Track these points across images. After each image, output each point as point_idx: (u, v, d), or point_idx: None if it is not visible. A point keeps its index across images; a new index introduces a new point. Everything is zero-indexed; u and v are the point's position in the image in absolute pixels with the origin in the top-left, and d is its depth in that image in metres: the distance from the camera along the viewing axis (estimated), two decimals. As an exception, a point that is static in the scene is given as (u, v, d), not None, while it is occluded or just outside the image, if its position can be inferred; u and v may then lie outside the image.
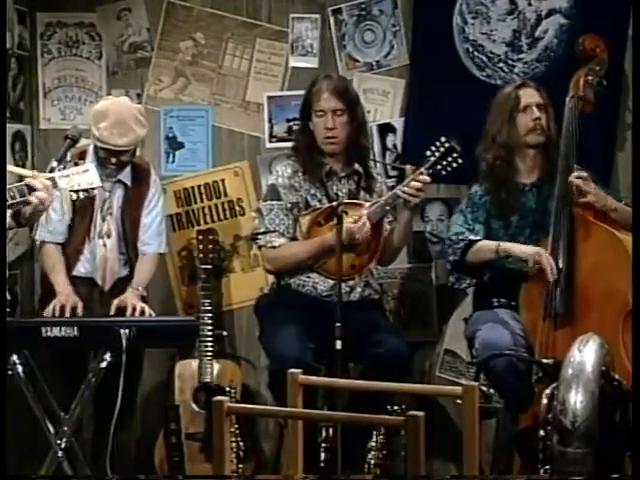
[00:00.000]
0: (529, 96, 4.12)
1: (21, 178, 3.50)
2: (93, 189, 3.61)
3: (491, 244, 4.08)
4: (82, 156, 4.25)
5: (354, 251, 4.14)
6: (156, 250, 4.42)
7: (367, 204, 4.17)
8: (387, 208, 4.16)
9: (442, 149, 4.12)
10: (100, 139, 4.15)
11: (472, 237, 4.11)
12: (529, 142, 4.14)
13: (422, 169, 4.11)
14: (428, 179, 4.10)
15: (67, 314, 4.13)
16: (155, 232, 4.40)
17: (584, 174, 3.98)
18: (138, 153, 4.38)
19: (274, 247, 4.19)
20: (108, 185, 4.29)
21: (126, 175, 4.31)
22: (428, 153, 4.13)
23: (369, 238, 4.14)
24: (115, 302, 4.21)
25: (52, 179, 3.49)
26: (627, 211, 4.01)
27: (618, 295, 3.81)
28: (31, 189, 3.40)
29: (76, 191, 3.54)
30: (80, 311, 4.17)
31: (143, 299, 4.28)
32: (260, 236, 4.23)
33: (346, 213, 3.95)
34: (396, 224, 4.25)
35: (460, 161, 4.12)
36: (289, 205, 4.20)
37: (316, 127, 4.18)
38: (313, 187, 4.23)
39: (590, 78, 4.13)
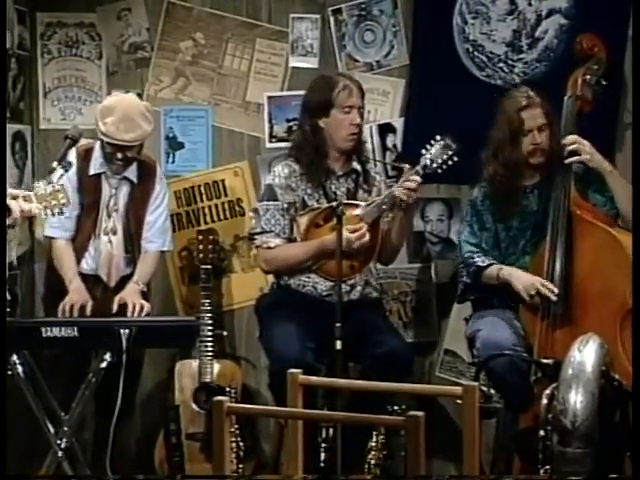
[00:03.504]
0: (532, 119, 4.07)
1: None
2: (62, 211, 3.73)
3: (494, 272, 4.07)
4: (88, 153, 4.28)
5: (352, 256, 4.13)
6: (160, 247, 4.42)
7: (363, 204, 4.17)
8: (384, 207, 4.16)
9: (437, 147, 4.13)
10: (106, 134, 4.16)
11: (480, 263, 4.11)
12: (530, 162, 4.13)
13: (417, 168, 4.12)
14: (419, 179, 4.10)
15: (75, 313, 4.14)
16: (159, 230, 4.40)
17: (576, 138, 4.00)
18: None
19: (270, 248, 4.19)
20: (114, 182, 4.31)
21: (132, 172, 4.32)
22: (423, 151, 4.14)
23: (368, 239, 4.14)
24: (116, 299, 4.23)
25: (29, 197, 3.60)
26: (623, 181, 4.00)
27: (616, 295, 3.81)
28: (8, 209, 3.53)
29: (51, 210, 3.68)
30: (89, 309, 4.18)
31: (143, 294, 4.29)
32: (256, 236, 4.23)
33: (343, 213, 3.95)
34: (393, 223, 4.25)
35: (456, 159, 4.12)
36: (285, 206, 4.20)
37: (340, 124, 4.15)
38: (310, 187, 4.23)
39: (588, 77, 4.12)
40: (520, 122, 4.08)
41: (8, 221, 3.57)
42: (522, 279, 3.99)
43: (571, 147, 3.99)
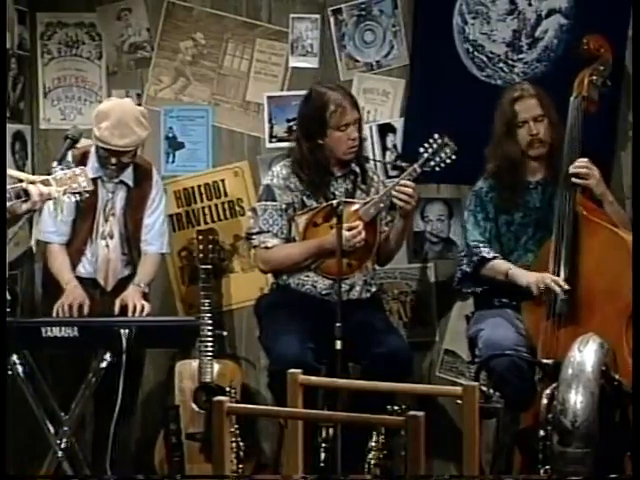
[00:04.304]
0: (525, 110, 4.08)
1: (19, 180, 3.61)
2: (87, 192, 3.71)
3: (503, 267, 4.06)
4: (84, 156, 4.28)
5: (349, 254, 4.13)
6: (159, 250, 4.44)
7: (360, 202, 4.18)
8: (381, 206, 4.16)
9: (435, 146, 4.13)
10: (100, 139, 4.16)
11: (485, 254, 4.10)
12: (530, 154, 4.14)
13: (415, 166, 4.12)
14: (413, 184, 4.09)
15: (75, 313, 4.15)
16: (158, 232, 4.41)
17: (587, 162, 4.00)
18: (139, 154, 4.38)
19: (267, 248, 4.19)
20: (110, 186, 4.31)
21: (128, 176, 4.32)
22: (421, 150, 4.14)
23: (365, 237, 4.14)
24: (118, 301, 4.23)
25: (47, 181, 3.59)
26: (620, 210, 4.04)
27: (621, 295, 3.80)
28: (27, 194, 3.52)
29: (72, 194, 3.66)
30: (86, 308, 4.18)
31: (144, 296, 4.30)
32: (254, 236, 4.24)
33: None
34: (393, 227, 4.25)
35: (454, 157, 4.13)
36: (284, 206, 4.20)
37: (339, 141, 4.15)
38: (309, 188, 4.22)
39: (594, 78, 4.12)
40: (513, 114, 4.09)
41: (27, 205, 3.57)
42: (530, 275, 3.98)
43: (581, 170, 3.98)
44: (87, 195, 3.76)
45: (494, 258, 4.10)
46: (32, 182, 3.57)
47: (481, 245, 4.13)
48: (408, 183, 4.10)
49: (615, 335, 3.71)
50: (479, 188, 4.22)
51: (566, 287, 3.88)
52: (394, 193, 4.10)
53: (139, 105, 4.48)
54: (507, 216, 4.17)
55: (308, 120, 4.21)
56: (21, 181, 3.59)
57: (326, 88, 4.23)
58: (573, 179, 3.97)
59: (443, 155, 4.13)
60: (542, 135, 4.09)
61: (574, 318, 3.91)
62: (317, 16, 4.69)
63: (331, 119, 4.14)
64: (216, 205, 4.81)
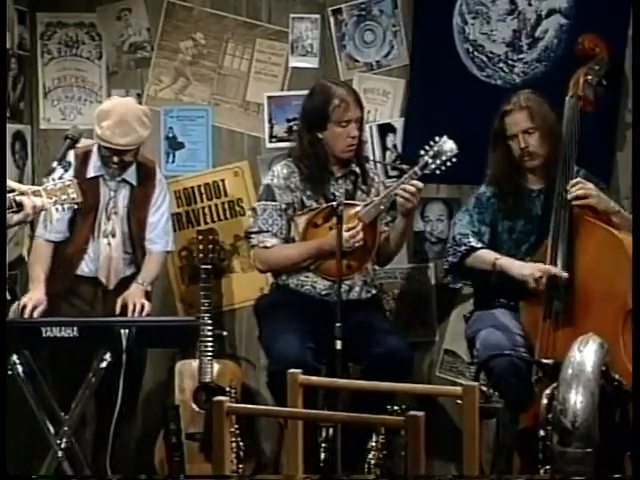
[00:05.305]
0: (515, 124, 4.07)
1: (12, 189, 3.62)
2: (75, 204, 3.73)
3: (489, 256, 4.06)
4: (87, 155, 4.29)
5: (349, 255, 4.13)
6: (163, 248, 4.43)
7: (361, 204, 4.17)
8: (382, 208, 4.15)
9: (436, 148, 4.12)
10: (102, 138, 4.16)
11: (474, 244, 4.10)
12: (526, 166, 4.13)
13: (416, 168, 4.11)
14: (421, 184, 4.09)
15: (27, 314, 4.12)
16: (162, 231, 4.41)
17: (581, 181, 3.98)
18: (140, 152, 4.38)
19: (266, 247, 4.19)
20: (113, 184, 4.31)
21: (131, 174, 4.32)
22: (422, 152, 4.13)
23: (364, 238, 4.13)
24: (119, 299, 4.23)
25: (38, 192, 3.60)
26: (628, 217, 4.03)
27: (618, 295, 3.81)
28: (19, 205, 3.53)
29: (62, 205, 3.68)
30: (40, 311, 4.15)
31: (147, 294, 4.30)
32: (253, 235, 4.23)
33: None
34: (393, 228, 4.25)
35: (455, 160, 4.12)
36: (283, 206, 4.20)
37: (338, 137, 4.16)
38: (310, 188, 4.22)
39: (590, 77, 4.12)
40: (502, 128, 4.10)
41: (19, 217, 3.57)
42: (523, 269, 3.97)
43: (577, 191, 3.96)
44: (75, 207, 3.77)
45: (482, 248, 4.09)
46: (23, 193, 3.58)
47: (470, 236, 4.13)
48: (415, 182, 4.09)
49: (612, 335, 3.71)
50: (482, 192, 4.22)
51: (564, 274, 3.87)
52: (398, 191, 4.10)
53: (140, 105, 4.48)
54: (509, 223, 4.16)
55: (311, 112, 4.21)
56: (12, 191, 3.59)
57: (331, 83, 4.26)
58: (573, 202, 3.96)
59: (444, 157, 4.12)
60: (532, 148, 4.07)
61: (571, 318, 3.91)
62: (317, 16, 4.69)
63: (333, 113, 4.14)
64: (216, 205, 4.81)
